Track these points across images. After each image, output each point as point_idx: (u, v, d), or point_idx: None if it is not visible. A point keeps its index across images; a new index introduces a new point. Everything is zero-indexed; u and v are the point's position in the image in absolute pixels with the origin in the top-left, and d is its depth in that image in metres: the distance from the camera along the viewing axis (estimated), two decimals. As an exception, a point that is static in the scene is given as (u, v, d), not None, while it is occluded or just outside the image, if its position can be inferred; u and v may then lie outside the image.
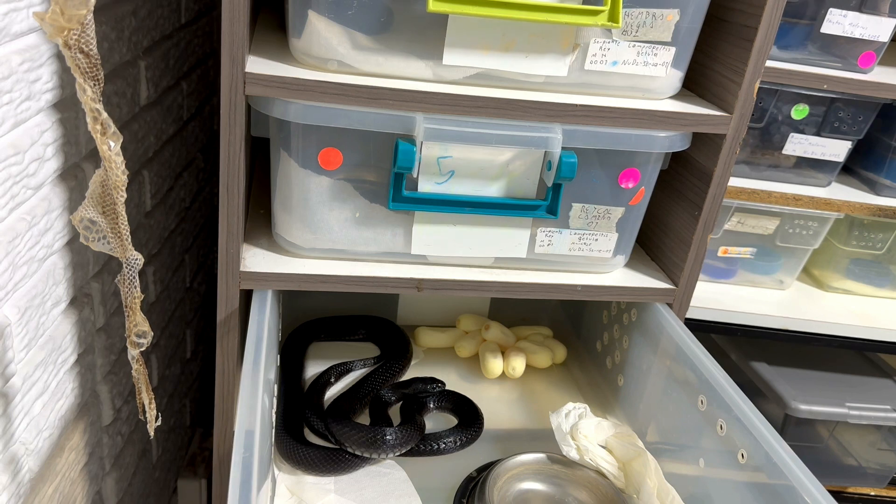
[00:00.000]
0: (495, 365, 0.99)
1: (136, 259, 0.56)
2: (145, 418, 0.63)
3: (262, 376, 0.62)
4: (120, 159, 0.50)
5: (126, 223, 0.54)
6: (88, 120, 0.49)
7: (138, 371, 0.60)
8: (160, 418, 0.73)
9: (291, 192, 0.73)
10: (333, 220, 0.75)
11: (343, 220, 0.75)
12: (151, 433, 0.63)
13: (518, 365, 0.98)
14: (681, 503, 0.72)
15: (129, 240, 0.55)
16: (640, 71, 0.72)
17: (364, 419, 0.85)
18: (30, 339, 0.60)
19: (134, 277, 0.56)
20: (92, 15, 0.46)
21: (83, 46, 0.46)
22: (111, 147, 0.50)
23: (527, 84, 0.72)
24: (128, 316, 0.58)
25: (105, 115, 0.49)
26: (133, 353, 0.59)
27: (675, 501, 0.72)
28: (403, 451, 0.78)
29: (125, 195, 0.52)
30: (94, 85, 0.48)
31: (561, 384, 1.00)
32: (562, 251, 0.81)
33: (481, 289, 0.79)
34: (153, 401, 0.63)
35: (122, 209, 0.53)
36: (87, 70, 0.47)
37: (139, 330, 0.58)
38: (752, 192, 1.00)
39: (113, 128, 0.50)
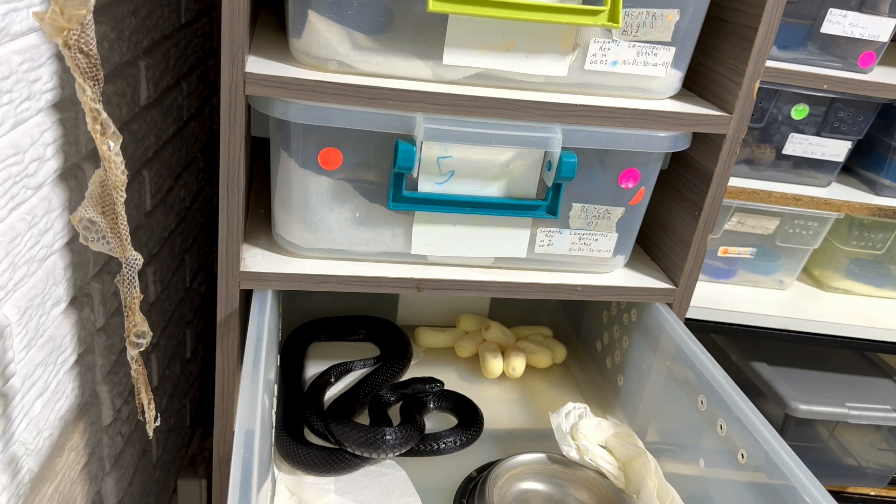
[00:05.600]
0: (495, 365, 0.99)
1: (136, 259, 0.56)
2: (145, 418, 0.63)
3: (262, 376, 0.62)
4: (120, 159, 0.50)
5: (126, 223, 0.54)
6: (88, 120, 0.49)
7: (137, 371, 0.60)
8: (160, 418, 0.73)
9: (291, 192, 0.73)
10: (333, 220, 0.75)
11: (343, 220, 0.75)
12: (151, 433, 0.63)
13: (518, 365, 0.98)
14: (681, 503, 0.72)
15: (129, 240, 0.55)
16: (640, 71, 0.72)
17: (364, 419, 0.85)
18: (30, 339, 0.60)
19: (133, 277, 0.56)
20: (92, 15, 0.46)
21: (83, 46, 0.46)
22: (111, 147, 0.50)
23: (527, 84, 0.72)
24: (127, 316, 0.58)
25: (105, 115, 0.49)
26: (132, 353, 0.59)
27: (675, 501, 0.72)
28: (403, 451, 0.78)
29: (125, 195, 0.52)
30: (94, 85, 0.48)
31: (561, 384, 1.00)
32: (562, 251, 0.81)
33: (481, 289, 0.79)
34: (153, 401, 0.63)
35: (121, 209, 0.53)
36: (87, 70, 0.47)
37: (138, 330, 0.58)
38: (752, 192, 1.00)
39: (113, 128, 0.50)
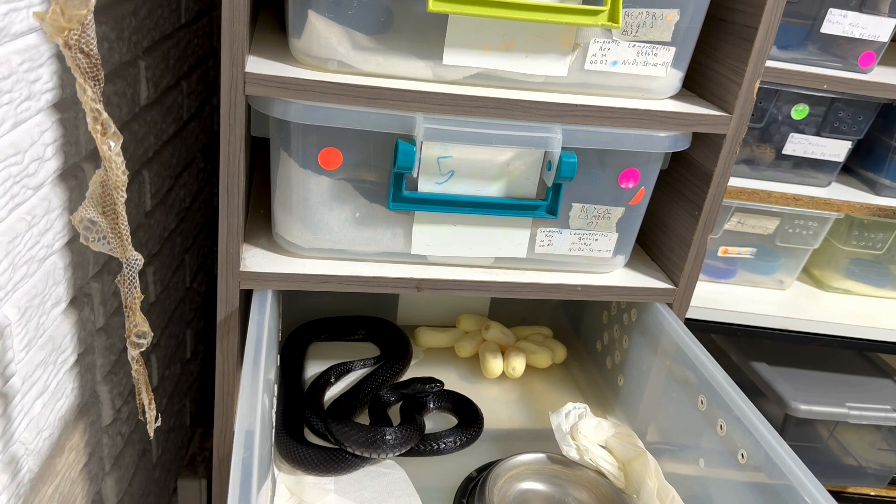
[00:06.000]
0: (495, 365, 0.99)
1: (136, 259, 0.56)
2: (145, 418, 0.63)
3: (262, 376, 0.62)
4: (120, 159, 0.50)
5: (126, 223, 0.54)
6: (89, 120, 0.49)
7: (138, 371, 0.60)
8: (160, 418, 0.73)
9: (291, 192, 0.73)
10: (333, 220, 0.75)
11: (343, 220, 0.75)
12: (151, 433, 0.63)
13: (518, 365, 0.98)
14: (681, 503, 0.72)
15: (129, 240, 0.55)
16: (640, 71, 0.72)
17: (364, 419, 0.85)
18: (30, 339, 0.60)
19: (134, 277, 0.56)
20: (92, 15, 0.46)
21: (83, 46, 0.46)
22: (111, 147, 0.50)
23: (527, 84, 0.72)
24: (128, 316, 0.58)
25: (105, 115, 0.49)
26: (133, 353, 0.59)
27: (675, 501, 0.72)
28: (403, 451, 0.78)
29: (125, 195, 0.52)
30: (95, 85, 0.48)
31: (561, 384, 1.00)
32: (562, 251, 0.81)
33: (481, 289, 0.79)
34: (153, 401, 0.63)
35: (122, 209, 0.53)
36: (88, 70, 0.47)
37: (139, 330, 0.58)
38: (752, 192, 1.00)
39: (113, 128, 0.50)
